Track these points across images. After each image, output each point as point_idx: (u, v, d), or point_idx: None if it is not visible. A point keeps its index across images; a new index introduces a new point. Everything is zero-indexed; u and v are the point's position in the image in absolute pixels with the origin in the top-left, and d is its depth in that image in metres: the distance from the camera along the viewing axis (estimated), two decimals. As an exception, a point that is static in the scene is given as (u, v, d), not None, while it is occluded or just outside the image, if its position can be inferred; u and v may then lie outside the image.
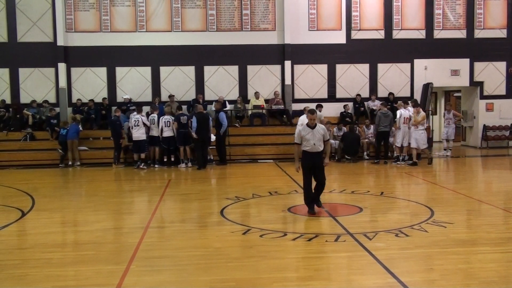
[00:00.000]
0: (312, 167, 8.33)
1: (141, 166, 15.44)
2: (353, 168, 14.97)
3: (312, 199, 8.41)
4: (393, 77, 19.25)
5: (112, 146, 16.23)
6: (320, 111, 16.37)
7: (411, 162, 14.81)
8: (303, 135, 8.32)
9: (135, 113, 15.81)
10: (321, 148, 8.32)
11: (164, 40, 18.59)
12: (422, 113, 14.71)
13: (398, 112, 15.24)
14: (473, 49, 19.31)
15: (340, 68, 19.16)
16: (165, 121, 15.56)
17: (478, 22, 19.36)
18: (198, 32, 18.73)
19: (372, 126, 16.67)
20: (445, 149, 17.34)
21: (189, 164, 15.50)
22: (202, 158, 15.25)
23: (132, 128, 15.48)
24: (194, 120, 15.12)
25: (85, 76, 18.62)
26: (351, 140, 15.96)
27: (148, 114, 16.11)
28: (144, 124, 15.47)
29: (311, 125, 8.34)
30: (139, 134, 15.40)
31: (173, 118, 15.65)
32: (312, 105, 17.68)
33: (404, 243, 6.65)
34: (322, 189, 8.51)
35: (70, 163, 16.24)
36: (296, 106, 18.89)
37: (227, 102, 18.32)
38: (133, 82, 18.71)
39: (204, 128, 15.14)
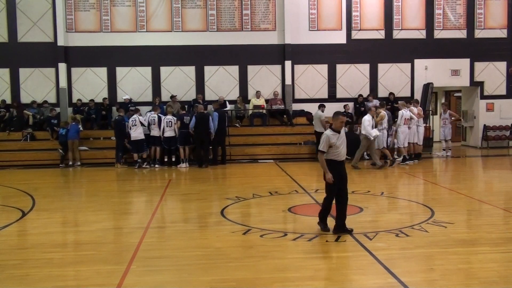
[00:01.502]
0: (340, 178, 7.10)
1: (143, 166, 15.49)
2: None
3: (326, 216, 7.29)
4: (394, 77, 19.25)
5: (113, 146, 16.22)
6: (322, 111, 16.37)
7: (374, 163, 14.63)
8: (333, 142, 6.99)
9: (135, 116, 15.81)
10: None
11: (165, 40, 18.60)
12: (381, 114, 14.75)
13: (399, 113, 15.24)
14: (474, 49, 19.30)
15: (340, 68, 19.17)
16: (167, 121, 15.57)
17: (479, 22, 19.36)
18: (198, 32, 18.74)
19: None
20: (444, 149, 17.32)
21: (187, 164, 15.51)
22: (203, 156, 15.37)
23: (130, 128, 15.51)
24: (193, 119, 15.21)
25: (85, 76, 18.62)
26: (351, 140, 15.91)
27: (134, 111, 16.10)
28: (142, 124, 15.49)
29: (339, 130, 7.12)
30: (137, 133, 15.45)
31: (175, 118, 15.67)
32: (313, 105, 17.85)
33: (405, 243, 6.65)
34: (346, 208, 7.21)
35: (70, 163, 16.25)
36: (296, 106, 18.91)
37: (227, 102, 18.34)
38: (134, 82, 18.72)
39: (202, 127, 15.19)
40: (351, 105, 18.67)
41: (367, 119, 14.12)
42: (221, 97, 18.31)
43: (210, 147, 15.85)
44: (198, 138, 15.31)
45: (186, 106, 17.09)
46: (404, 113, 15.09)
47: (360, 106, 18.45)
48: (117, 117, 16.34)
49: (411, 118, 15.15)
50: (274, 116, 18.52)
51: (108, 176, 14.54)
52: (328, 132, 7.10)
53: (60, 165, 16.24)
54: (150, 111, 16.48)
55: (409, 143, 15.28)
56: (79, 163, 16.30)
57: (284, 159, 16.65)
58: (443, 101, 22.41)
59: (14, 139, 17.42)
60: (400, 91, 19.14)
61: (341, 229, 7.05)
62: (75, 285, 5.41)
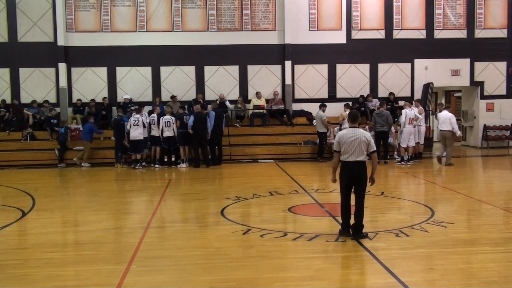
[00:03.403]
0: None
1: (137, 166, 15.44)
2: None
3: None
4: (394, 77, 19.25)
5: (113, 146, 16.18)
6: (323, 111, 16.35)
7: None
8: None
9: (137, 116, 15.78)
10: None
11: (165, 40, 18.59)
12: (343, 114, 15.23)
13: (403, 112, 15.24)
14: (474, 49, 19.31)
15: (340, 68, 19.16)
16: (165, 121, 15.56)
17: (479, 22, 19.36)
18: (198, 32, 18.74)
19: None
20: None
21: (187, 164, 15.51)
22: (203, 156, 15.41)
23: (131, 127, 15.45)
24: (191, 118, 15.21)
25: (85, 76, 18.62)
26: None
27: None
28: (144, 125, 15.47)
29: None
30: (137, 134, 15.40)
31: (173, 118, 15.67)
32: (313, 105, 17.86)
33: (405, 243, 6.65)
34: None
35: (83, 164, 16.09)
36: (296, 106, 18.91)
37: (228, 102, 18.34)
38: (134, 82, 18.72)
39: (201, 127, 15.19)
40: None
41: (452, 115, 14.84)
42: (221, 94, 18.31)
43: (208, 147, 15.84)
44: (196, 138, 15.31)
45: (186, 106, 17.08)
46: (408, 112, 15.09)
47: (360, 106, 18.43)
48: (116, 117, 16.33)
49: (416, 117, 15.20)
50: (274, 116, 18.52)
51: (108, 176, 14.54)
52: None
53: (59, 165, 16.23)
54: (150, 111, 16.46)
55: (415, 143, 15.31)
56: (87, 165, 16.16)
57: (284, 159, 16.64)
58: (443, 101, 22.43)
59: (14, 139, 17.41)
60: (400, 91, 19.14)
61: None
62: (75, 285, 5.40)
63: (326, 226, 7.67)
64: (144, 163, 15.68)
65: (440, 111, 17.65)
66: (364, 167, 6.88)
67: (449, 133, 14.61)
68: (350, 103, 17.46)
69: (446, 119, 14.69)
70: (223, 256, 6.23)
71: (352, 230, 6.91)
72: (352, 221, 6.94)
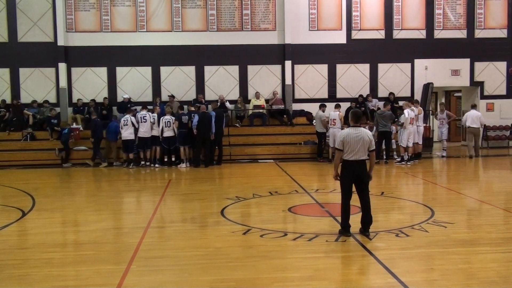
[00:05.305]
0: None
1: (130, 166, 15.46)
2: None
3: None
4: (394, 77, 19.26)
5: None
6: (323, 111, 16.35)
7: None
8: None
9: (143, 112, 15.80)
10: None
11: (165, 40, 18.61)
12: (340, 113, 15.77)
13: (405, 112, 15.24)
14: (474, 49, 19.32)
15: (340, 68, 19.17)
16: (165, 121, 15.57)
17: (479, 22, 19.37)
18: (198, 32, 18.75)
19: (374, 128, 16.63)
20: (444, 149, 17.33)
21: (188, 164, 15.51)
22: (206, 156, 15.42)
23: (121, 128, 15.45)
24: (196, 118, 15.20)
25: (85, 76, 18.63)
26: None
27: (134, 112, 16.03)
28: (133, 125, 15.45)
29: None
30: (127, 134, 15.41)
31: (173, 118, 15.67)
32: (313, 105, 17.85)
33: (405, 243, 6.65)
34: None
35: (117, 163, 16.11)
36: (296, 106, 18.91)
37: (228, 102, 18.34)
38: (134, 82, 18.73)
39: (205, 127, 15.19)
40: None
41: (481, 114, 16.90)
42: (221, 95, 18.31)
43: (216, 147, 15.86)
44: (200, 138, 15.29)
45: (186, 106, 17.06)
46: (410, 112, 15.10)
47: (360, 106, 18.42)
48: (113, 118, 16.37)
49: (417, 117, 15.23)
50: (274, 116, 18.52)
51: (108, 176, 14.54)
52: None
53: (64, 165, 16.24)
54: (148, 111, 16.42)
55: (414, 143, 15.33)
56: (118, 163, 16.10)
57: (284, 159, 16.64)
58: (443, 101, 22.42)
59: (14, 139, 17.42)
60: (400, 91, 19.15)
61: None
62: (75, 285, 5.40)
63: (326, 226, 7.66)
64: (132, 164, 15.62)
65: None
66: (365, 166, 7.00)
67: (479, 130, 16.75)
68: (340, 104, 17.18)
69: (476, 117, 16.54)
70: (223, 256, 6.22)
71: (362, 225, 7.01)
72: (352, 221, 6.96)
